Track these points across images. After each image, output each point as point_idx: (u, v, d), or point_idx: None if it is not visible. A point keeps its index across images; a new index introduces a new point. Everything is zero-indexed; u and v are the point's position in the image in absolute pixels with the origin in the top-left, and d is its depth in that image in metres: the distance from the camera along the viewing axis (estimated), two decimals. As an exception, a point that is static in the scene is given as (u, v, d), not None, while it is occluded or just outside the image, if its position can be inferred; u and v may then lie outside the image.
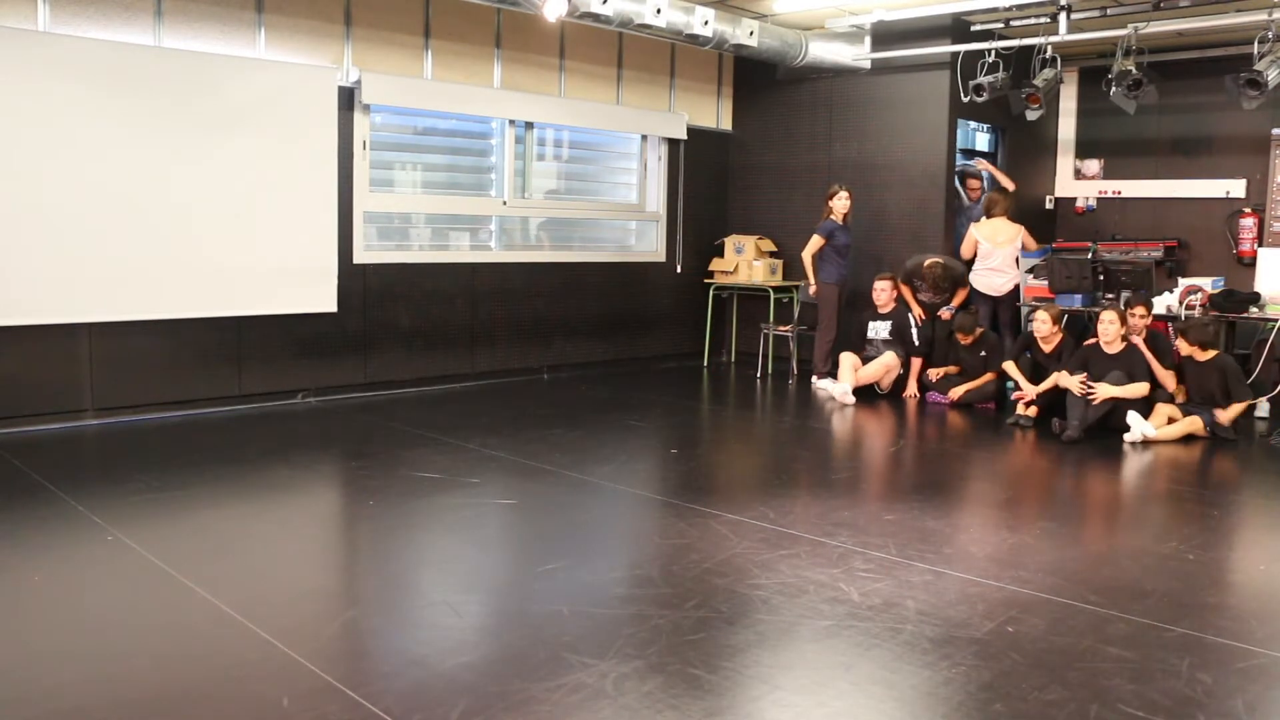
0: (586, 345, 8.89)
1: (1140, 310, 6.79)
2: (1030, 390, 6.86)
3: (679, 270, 9.50)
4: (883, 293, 7.98)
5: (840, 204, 8.18)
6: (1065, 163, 9.72)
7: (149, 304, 6.41)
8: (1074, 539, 4.42)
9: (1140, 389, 6.45)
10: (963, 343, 7.55)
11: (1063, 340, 7.04)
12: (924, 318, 7.95)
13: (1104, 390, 6.41)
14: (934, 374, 7.71)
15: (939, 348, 7.88)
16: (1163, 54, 8.43)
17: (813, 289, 8.29)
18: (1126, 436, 6.31)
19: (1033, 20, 7.82)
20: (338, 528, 4.77)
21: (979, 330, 7.54)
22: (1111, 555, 4.18)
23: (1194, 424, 6.40)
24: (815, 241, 8.21)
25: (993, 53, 7.99)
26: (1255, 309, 7.08)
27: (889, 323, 7.95)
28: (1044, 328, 6.99)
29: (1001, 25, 8.02)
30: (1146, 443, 6.31)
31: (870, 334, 8.04)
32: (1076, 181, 9.67)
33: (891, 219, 8.70)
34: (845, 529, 4.41)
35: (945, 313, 7.95)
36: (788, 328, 8.93)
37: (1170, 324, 7.19)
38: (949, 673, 3.00)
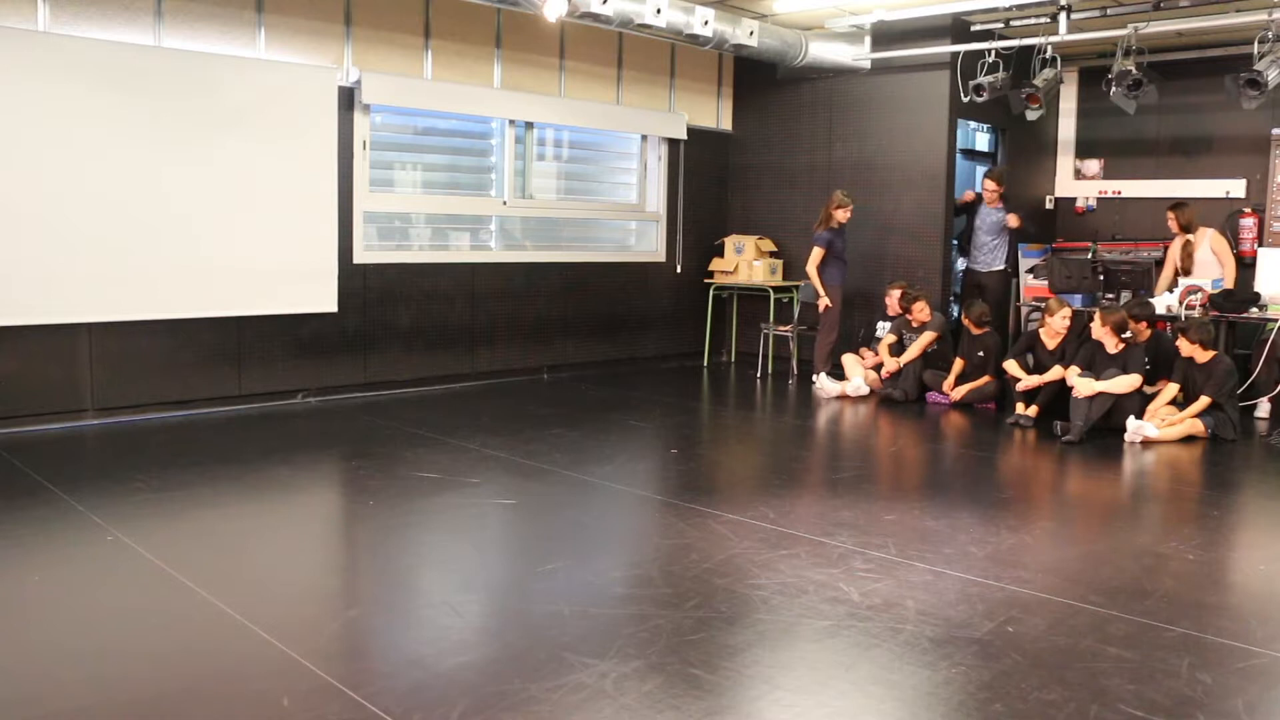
0: (586, 345, 8.88)
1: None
2: (1031, 380, 6.86)
3: (679, 270, 9.50)
4: (895, 300, 8.10)
5: (844, 214, 8.19)
6: (1065, 163, 9.72)
7: (149, 304, 6.41)
8: (1074, 539, 4.43)
9: (1130, 381, 6.44)
10: (974, 332, 7.52)
11: (1065, 338, 7.04)
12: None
13: (1087, 385, 6.41)
14: (948, 388, 7.56)
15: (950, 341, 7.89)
16: (1163, 54, 8.43)
17: (824, 303, 8.24)
18: (1126, 436, 6.32)
19: (1033, 20, 7.82)
20: (338, 528, 4.77)
21: (986, 326, 7.52)
22: (1111, 555, 4.17)
23: (1194, 425, 6.40)
24: (817, 254, 8.19)
25: (993, 53, 7.99)
26: (1255, 309, 7.08)
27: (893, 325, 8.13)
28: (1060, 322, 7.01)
29: (1001, 25, 8.02)
30: (1147, 443, 6.31)
31: (878, 333, 8.30)
32: (1076, 181, 9.67)
33: (891, 219, 8.69)
34: (845, 529, 4.41)
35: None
36: (788, 328, 8.93)
37: (1170, 324, 7.19)
38: (949, 673, 3.00)
